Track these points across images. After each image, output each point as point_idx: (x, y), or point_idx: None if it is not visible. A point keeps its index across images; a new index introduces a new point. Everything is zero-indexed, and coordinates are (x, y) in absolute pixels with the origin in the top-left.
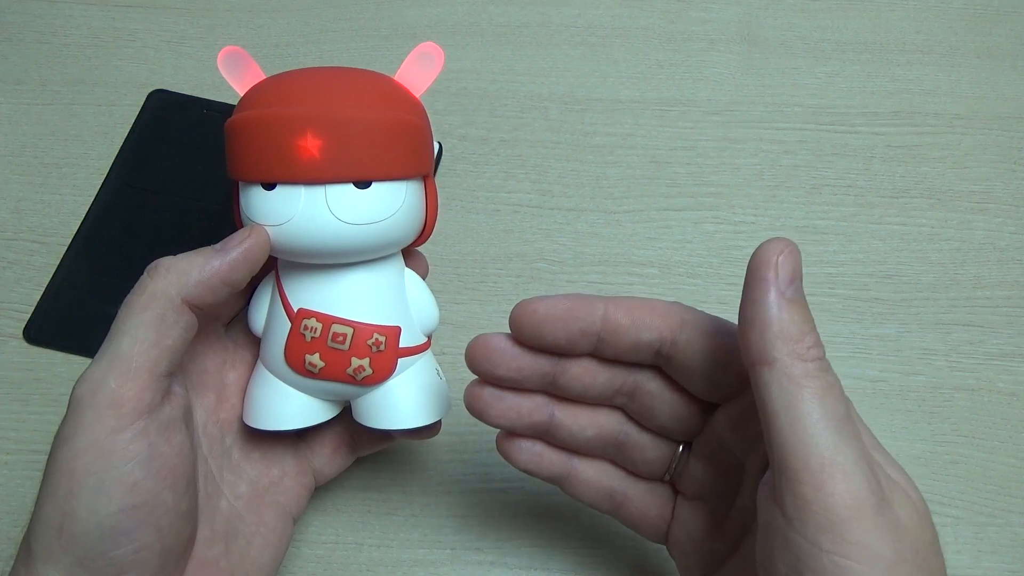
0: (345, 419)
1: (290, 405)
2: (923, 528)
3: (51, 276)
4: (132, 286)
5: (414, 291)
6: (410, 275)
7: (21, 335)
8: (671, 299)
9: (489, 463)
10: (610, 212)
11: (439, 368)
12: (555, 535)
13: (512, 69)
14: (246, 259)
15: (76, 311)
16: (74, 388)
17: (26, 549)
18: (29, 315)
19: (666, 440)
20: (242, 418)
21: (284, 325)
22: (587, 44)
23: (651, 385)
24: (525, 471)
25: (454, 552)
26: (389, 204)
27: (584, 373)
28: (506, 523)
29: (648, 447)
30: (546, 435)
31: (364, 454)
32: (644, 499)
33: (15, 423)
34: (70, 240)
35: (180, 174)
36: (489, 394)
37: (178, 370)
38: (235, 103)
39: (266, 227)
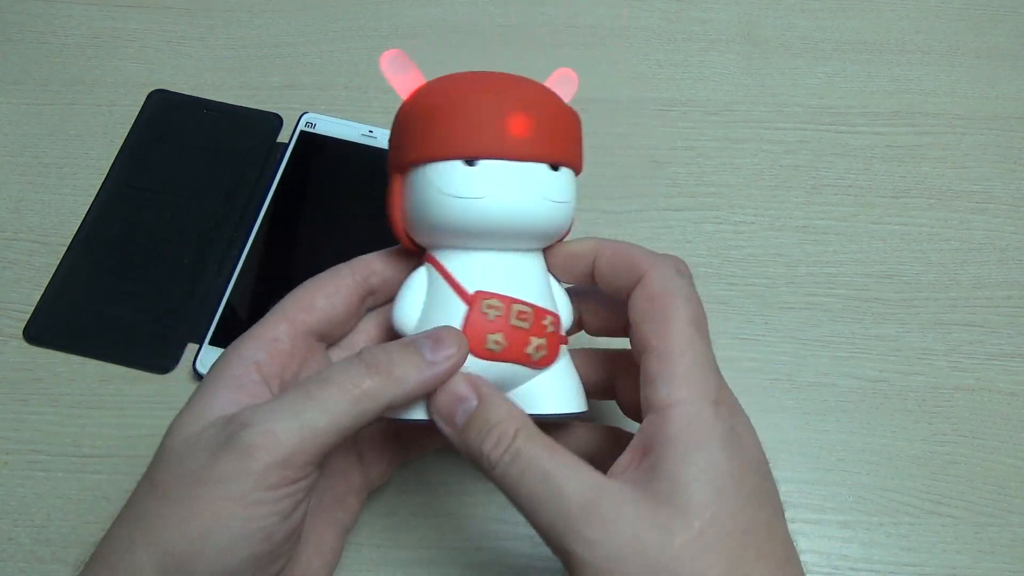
0: (395, 427)
1: None
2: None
3: (51, 276)
4: (132, 286)
5: (555, 287)
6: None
7: (21, 335)
8: None
9: None
10: (610, 212)
11: None
12: None
13: (512, 69)
14: (448, 373)
15: (76, 311)
16: (248, 430)
17: (132, 557)
18: (29, 315)
19: None
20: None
21: (456, 309)
22: (587, 44)
23: None
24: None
25: (454, 552)
26: (570, 188)
27: None
28: (507, 523)
29: None
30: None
31: (410, 459)
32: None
33: (15, 423)
34: (70, 240)
35: (180, 174)
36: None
37: None
38: (236, 103)
39: (465, 199)
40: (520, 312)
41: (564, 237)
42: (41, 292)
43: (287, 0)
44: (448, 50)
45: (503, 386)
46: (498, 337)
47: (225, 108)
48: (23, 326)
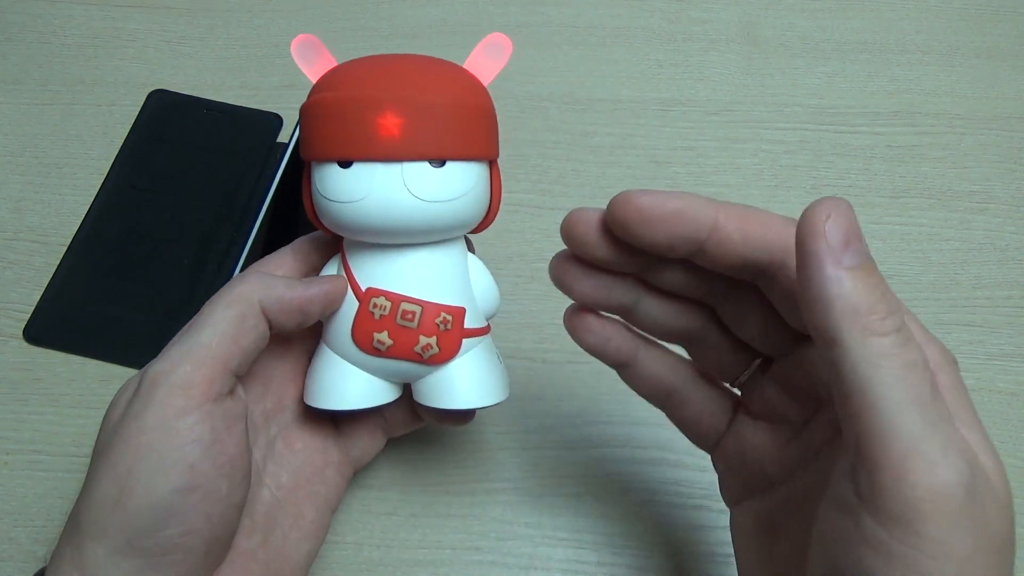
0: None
1: (354, 385)
2: (1003, 522)
3: (51, 276)
4: (132, 286)
5: (477, 275)
6: (473, 259)
7: (21, 335)
8: None
9: (489, 463)
10: None
11: (499, 352)
12: (555, 535)
13: (512, 69)
14: (323, 299)
15: (76, 311)
16: (149, 367)
17: (74, 525)
18: (29, 315)
19: (745, 350)
20: (298, 405)
21: (351, 304)
22: (587, 44)
23: (748, 298)
24: (588, 351)
25: (454, 552)
26: (462, 183)
27: (678, 275)
28: (507, 523)
29: (725, 352)
30: (627, 315)
31: (397, 435)
32: (702, 403)
33: (15, 423)
34: (70, 240)
35: (180, 174)
36: (577, 269)
37: (245, 376)
38: (236, 103)
39: (341, 203)
40: (406, 312)
41: (486, 223)
42: (41, 292)
43: (287, 0)
44: (448, 50)
45: (399, 379)
46: (383, 336)
47: (225, 108)
48: (23, 326)
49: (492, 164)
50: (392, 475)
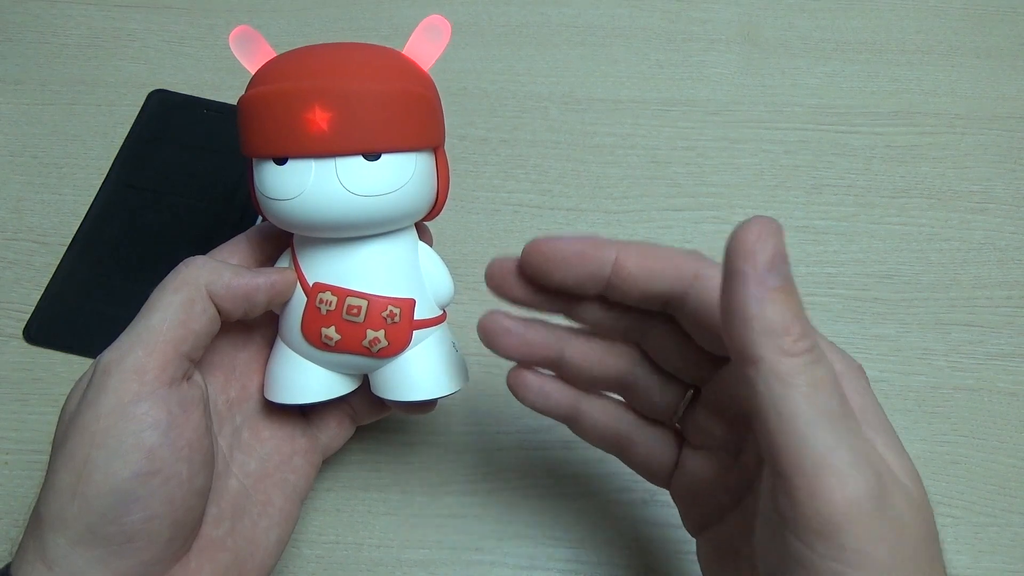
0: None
1: (309, 379)
2: (920, 522)
3: (51, 276)
4: (132, 286)
5: (428, 264)
6: (424, 248)
7: (21, 335)
8: None
9: (489, 463)
10: (610, 212)
11: (455, 341)
12: (555, 535)
13: (512, 69)
14: (269, 288)
15: (76, 311)
16: (101, 357)
17: (36, 518)
18: (29, 315)
19: (675, 384)
20: (263, 393)
21: (301, 300)
22: (587, 44)
23: (662, 328)
24: (533, 408)
25: (454, 552)
26: (399, 176)
27: (597, 312)
28: (506, 523)
29: (656, 390)
30: (556, 368)
31: (364, 423)
32: (649, 445)
33: (15, 423)
34: (70, 240)
35: (180, 174)
36: (500, 327)
37: (201, 361)
38: (235, 103)
39: (278, 201)
40: (351, 307)
41: (435, 211)
42: (41, 292)
43: (287, 0)
44: (448, 50)
45: (353, 372)
46: (330, 331)
47: (225, 108)
48: (23, 326)
49: (437, 150)
50: (393, 476)
